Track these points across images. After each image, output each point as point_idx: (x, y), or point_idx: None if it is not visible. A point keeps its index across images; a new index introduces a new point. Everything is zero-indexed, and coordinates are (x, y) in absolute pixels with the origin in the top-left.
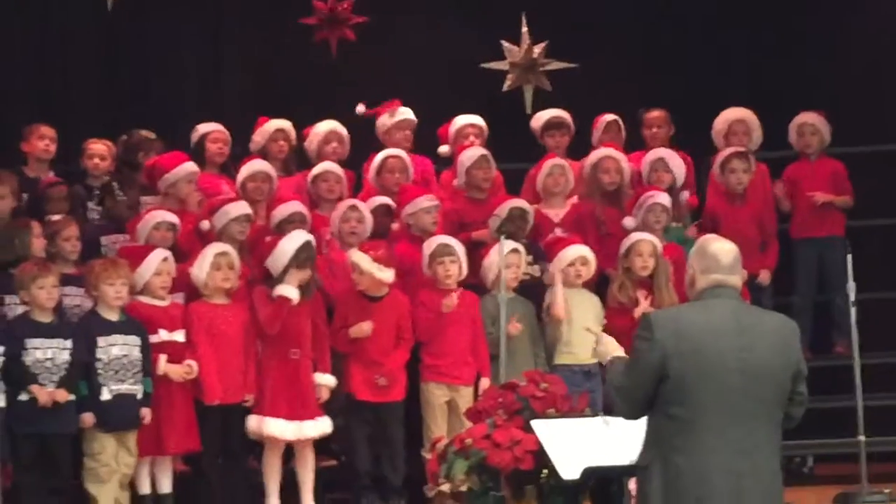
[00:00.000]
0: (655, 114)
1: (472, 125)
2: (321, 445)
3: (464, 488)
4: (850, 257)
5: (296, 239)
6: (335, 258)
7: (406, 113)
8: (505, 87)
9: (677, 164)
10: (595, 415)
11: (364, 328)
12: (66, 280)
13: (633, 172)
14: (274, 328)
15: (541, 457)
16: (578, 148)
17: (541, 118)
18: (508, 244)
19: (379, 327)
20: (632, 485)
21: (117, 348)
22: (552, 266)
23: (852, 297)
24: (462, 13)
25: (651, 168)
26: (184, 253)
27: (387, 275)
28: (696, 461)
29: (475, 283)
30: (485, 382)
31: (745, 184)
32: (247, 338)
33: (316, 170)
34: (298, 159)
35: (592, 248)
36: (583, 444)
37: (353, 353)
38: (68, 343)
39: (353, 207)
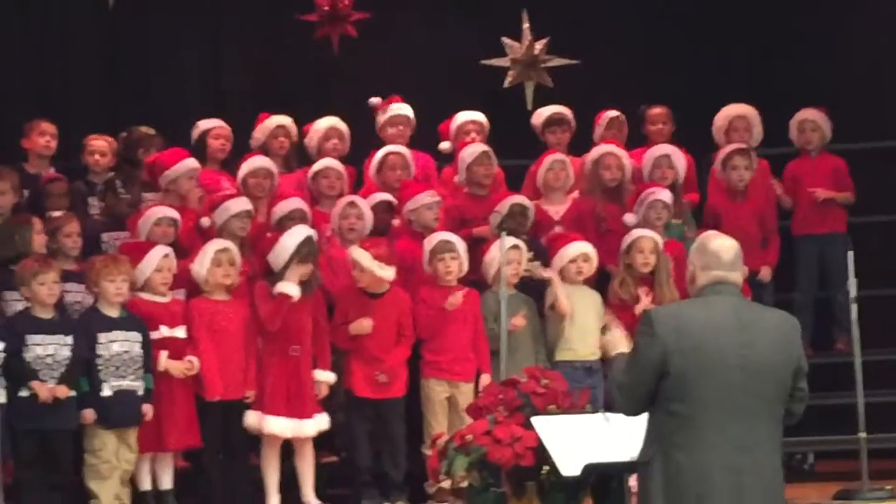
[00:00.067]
0: (658, 110)
1: (474, 122)
2: (322, 441)
3: (464, 485)
4: (851, 254)
5: (297, 234)
6: (335, 255)
7: (398, 109)
8: (506, 84)
9: (680, 161)
10: (596, 411)
11: (364, 325)
12: (66, 276)
13: (634, 169)
14: (274, 325)
15: (541, 453)
16: (579, 144)
17: (542, 115)
18: (509, 241)
19: (379, 324)
20: (632, 481)
21: (118, 345)
22: (553, 262)
23: (853, 293)
24: (463, 9)
25: (654, 164)
26: (184, 249)
27: (387, 272)
28: (696, 458)
29: (476, 280)
30: (485, 379)
31: (746, 180)
32: (247, 334)
33: (316, 166)
34: (299, 156)
35: (593, 245)
36: (583, 440)
37: (354, 349)
38: (69, 339)
39: (353, 204)
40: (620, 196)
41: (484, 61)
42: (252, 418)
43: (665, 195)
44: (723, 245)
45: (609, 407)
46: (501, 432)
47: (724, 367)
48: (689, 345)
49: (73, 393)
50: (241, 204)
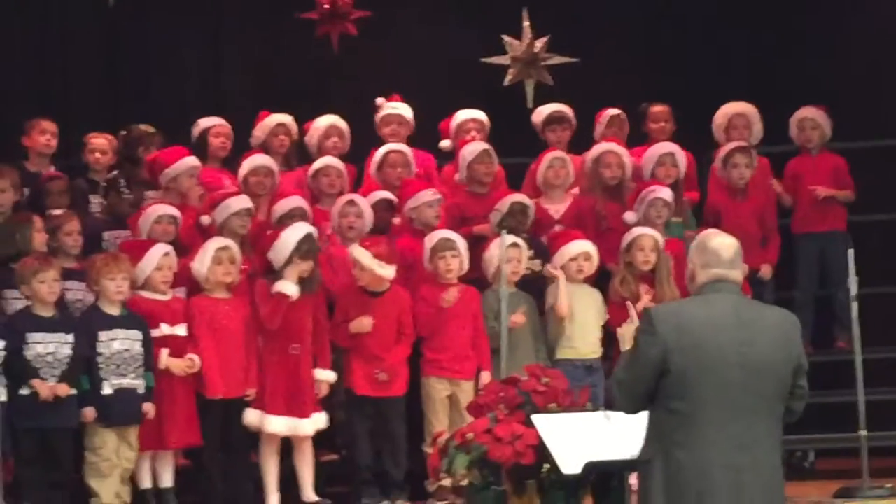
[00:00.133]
0: (659, 108)
1: (474, 120)
2: (323, 440)
3: (465, 483)
4: (851, 252)
5: (298, 230)
6: (335, 253)
7: (394, 108)
8: (506, 82)
9: (682, 159)
10: (596, 410)
11: (364, 323)
12: (67, 274)
13: (635, 167)
14: (274, 324)
15: (542, 451)
16: (580, 143)
17: (542, 113)
18: (509, 239)
19: (379, 322)
20: (633, 479)
21: (118, 343)
22: (554, 261)
23: (854, 291)
24: (463, 8)
25: (658, 162)
26: (185, 247)
27: (388, 271)
28: (696, 456)
29: (476, 278)
30: (485, 376)
31: (746, 178)
32: (248, 332)
33: (317, 164)
34: (299, 154)
35: (593, 243)
36: (584, 438)
37: (354, 348)
38: (70, 337)
39: (352, 202)
40: (621, 194)
41: (484, 59)
42: (252, 416)
43: (665, 193)
44: (723, 243)
45: (609, 405)
46: (502, 430)
47: (724, 364)
48: (689, 343)
49: (73, 391)
50: (242, 202)
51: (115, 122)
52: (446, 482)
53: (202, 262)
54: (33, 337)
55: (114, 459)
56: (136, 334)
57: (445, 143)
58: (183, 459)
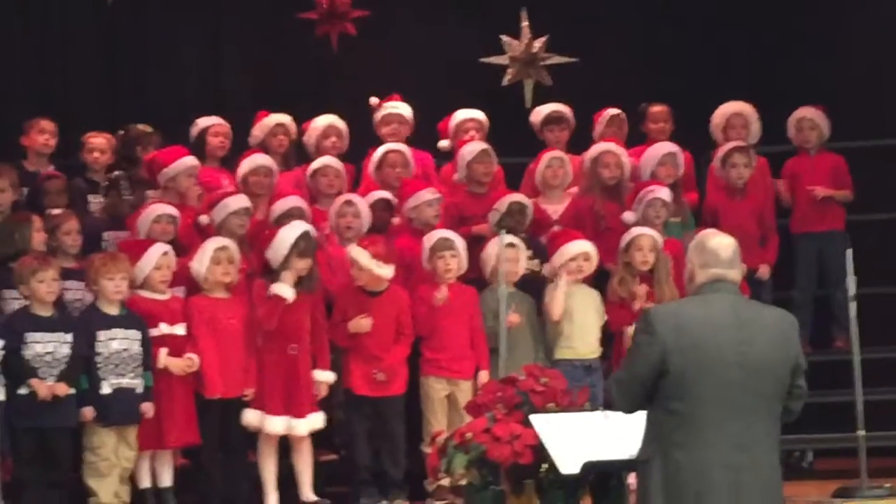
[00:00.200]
0: (659, 108)
1: (473, 119)
2: (321, 439)
3: (463, 482)
4: (849, 252)
5: (295, 228)
6: (334, 253)
7: (394, 107)
8: (505, 82)
9: (682, 160)
10: (595, 410)
11: (363, 323)
12: (66, 274)
13: (633, 167)
14: (270, 325)
15: (540, 451)
16: (578, 143)
17: (540, 113)
18: (507, 238)
19: (378, 322)
20: (631, 479)
21: (117, 342)
22: (553, 261)
23: (852, 291)
24: (462, 8)
25: (660, 162)
26: (184, 247)
27: (386, 271)
28: (695, 456)
29: (475, 278)
30: (483, 375)
31: (745, 178)
32: (247, 332)
33: (315, 164)
34: (297, 154)
35: (592, 243)
36: (582, 438)
37: (353, 347)
38: (68, 337)
39: (349, 202)
40: (619, 194)
41: (483, 59)
42: (251, 417)
43: (664, 193)
44: (721, 243)
45: (608, 405)
46: (500, 430)
47: (722, 364)
48: (687, 343)
49: (72, 391)
50: (240, 201)
51: (113, 122)
52: (445, 482)
53: (201, 262)
54: (32, 336)
55: (113, 459)
56: (135, 334)
57: (444, 143)
58: (182, 459)
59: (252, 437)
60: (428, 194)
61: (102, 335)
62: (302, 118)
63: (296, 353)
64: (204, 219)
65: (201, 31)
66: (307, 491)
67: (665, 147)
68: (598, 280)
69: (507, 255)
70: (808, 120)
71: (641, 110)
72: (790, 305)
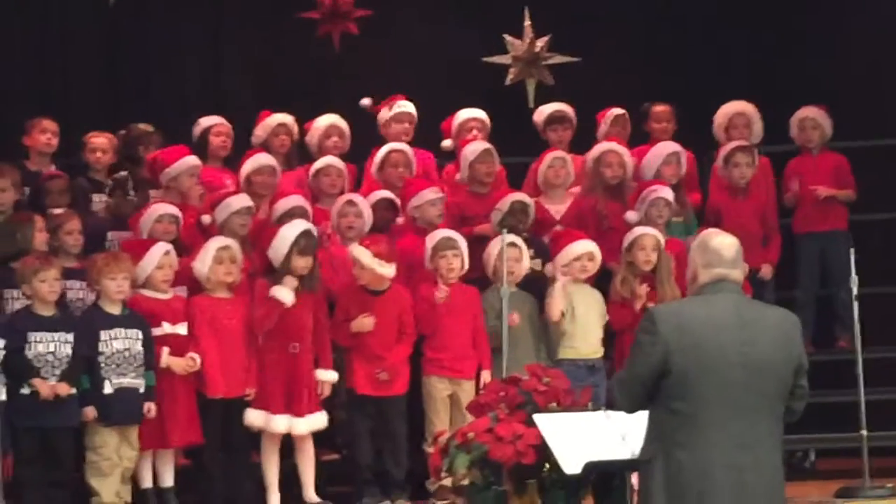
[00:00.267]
0: (662, 108)
1: (475, 119)
2: (324, 439)
3: (466, 482)
4: (852, 251)
5: (296, 227)
6: (336, 252)
7: (404, 106)
8: (507, 82)
9: (685, 160)
10: (598, 409)
11: (366, 323)
12: (68, 274)
13: (636, 167)
14: (264, 328)
15: (543, 451)
16: (581, 142)
17: (543, 112)
18: (509, 238)
19: (380, 321)
20: (634, 479)
21: (119, 342)
22: (557, 260)
23: (855, 291)
24: (464, 7)
25: (664, 161)
26: (186, 247)
27: (388, 270)
28: (698, 456)
29: (478, 277)
30: (486, 375)
31: (748, 178)
32: (249, 332)
33: (318, 164)
34: (299, 153)
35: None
36: (585, 438)
37: (355, 347)
38: (70, 337)
39: (351, 202)
40: (622, 193)
41: (485, 59)
42: (254, 417)
43: (667, 193)
44: (724, 242)
45: (611, 405)
46: (503, 430)
47: (725, 364)
48: (690, 342)
49: (73, 390)
50: (242, 201)
51: (115, 122)
52: (447, 482)
53: (203, 262)
54: (34, 336)
55: (114, 459)
56: (137, 333)
57: (447, 143)
58: (183, 459)
59: (255, 438)
60: (431, 193)
61: (104, 335)
62: (304, 118)
63: (297, 351)
64: (206, 218)
65: (203, 30)
66: (310, 492)
67: (669, 146)
68: (600, 280)
69: (510, 254)
70: (811, 120)
71: (644, 110)
72: (793, 305)
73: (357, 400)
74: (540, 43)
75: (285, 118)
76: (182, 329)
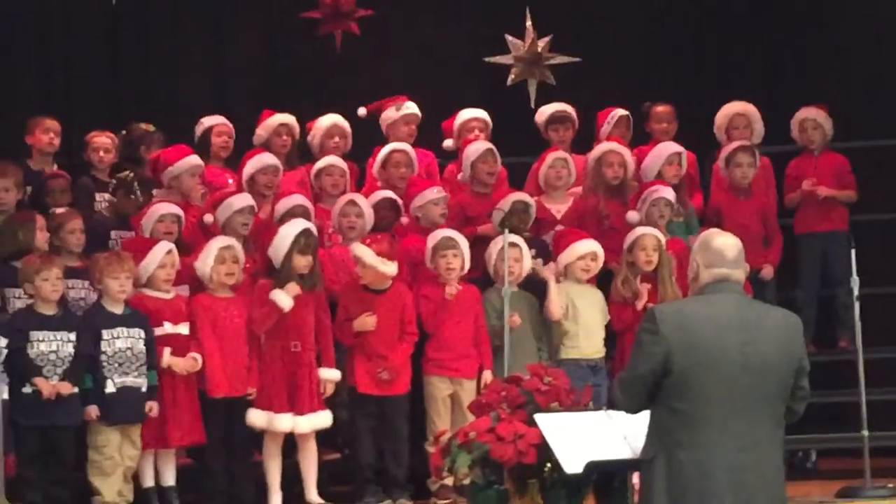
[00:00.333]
0: (664, 108)
1: (477, 119)
2: (325, 438)
3: (467, 482)
4: (853, 252)
5: (295, 225)
6: (337, 252)
7: (412, 107)
8: (509, 82)
9: (686, 160)
10: (599, 409)
11: (368, 322)
12: (70, 273)
13: (637, 167)
14: (261, 329)
15: (544, 451)
16: (582, 142)
17: (545, 112)
18: (511, 238)
19: (382, 320)
20: (635, 479)
21: (121, 341)
22: (560, 259)
23: (856, 291)
24: (466, 7)
25: (667, 161)
26: (188, 246)
27: (390, 268)
28: (699, 456)
29: (479, 277)
30: (487, 375)
31: (749, 178)
32: (251, 331)
33: (320, 164)
34: (301, 153)
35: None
36: (586, 438)
37: (357, 346)
38: (72, 336)
39: (352, 202)
40: (623, 193)
41: (487, 59)
42: (257, 417)
43: (668, 193)
44: (726, 242)
45: (612, 405)
46: (504, 429)
47: (726, 364)
48: (691, 342)
49: (75, 389)
50: (244, 200)
51: (117, 121)
52: (448, 481)
53: (205, 262)
54: (36, 335)
55: (117, 458)
56: (139, 333)
57: (448, 143)
58: (185, 458)
59: (257, 437)
60: (433, 193)
61: (107, 334)
62: (305, 118)
63: (298, 350)
64: (208, 218)
65: (205, 30)
66: (312, 490)
67: (670, 147)
68: (601, 280)
69: (511, 254)
70: (812, 120)
71: (645, 110)
72: (794, 305)
73: (359, 399)
74: (541, 43)
75: (287, 118)
76: (184, 329)
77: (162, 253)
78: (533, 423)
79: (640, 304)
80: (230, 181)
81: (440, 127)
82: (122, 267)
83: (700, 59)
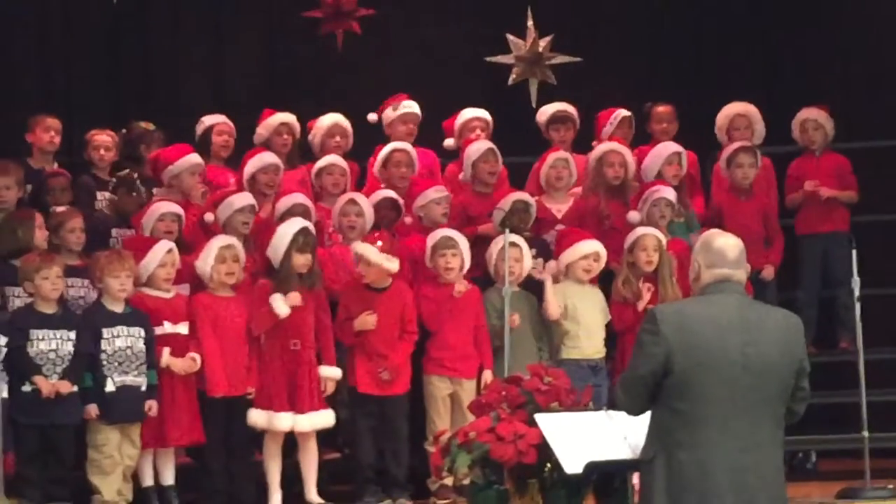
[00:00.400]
0: (664, 109)
1: (478, 119)
2: (325, 438)
3: (467, 482)
4: (854, 253)
5: (294, 224)
6: (337, 251)
7: (410, 106)
8: (510, 81)
9: (686, 160)
10: (599, 409)
11: (369, 320)
12: (70, 271)
13: (637, 167)
14: (258, 331)
15: (544, 451)
16: (583, 142)
17: (546, 112)
18: (510, 237)
19: (383, 318)
20: (635, 479)
21: (121, 340)
22: (562, 259)
23: (857, 292)
24: (467, 7)
25: (666, 161)
26: (188, 245)
27: (394, 265)
28: (699, 456)
29: (479, 277)
30: (487, 375)
31: (751, 178)
32: (251, 330)
33: (321, 163)
34: (301, 152)
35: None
36: (586, 438)
37: (358, 345)
38: (72, 334)
39: (353, 201)
40: (624, 194)
41: (488, 59)
42: (258, 416)
43: (669, 193)
44: (727, 243)
45: (613, 405)
46: (504, 429)
47: (727, 364)
48: (692, 342)
49: (75, 388)
50: (245, 199)
51: (118, 120)
52: (448, 481)
53: (206, 261)
54: (36, 333)
55: (116, 456)
56: (140, 331)
57: (449, 142)
58: (184, 457)
59: (257, 436)
60: (435, 192)
61: (107, 332)
62: (306, 117)
63: (298, 348)
64: (209, 217)
65: (206, 29)
66: (312, 490)
67: (670, 147)
68: (602, 280)
69: (511, 254)
70: (813, 121)
71: (646, 110)
72: (794, 306)
73: (359, 399)
74: (543, 43)
75: (287, 117)
76: (183, 328)
77: (162, 252)
78: (533, 423)
79: (641, 305)
80: (231, 180)
81: (441, 126)
82: (122, 266)
83: (700, 59)
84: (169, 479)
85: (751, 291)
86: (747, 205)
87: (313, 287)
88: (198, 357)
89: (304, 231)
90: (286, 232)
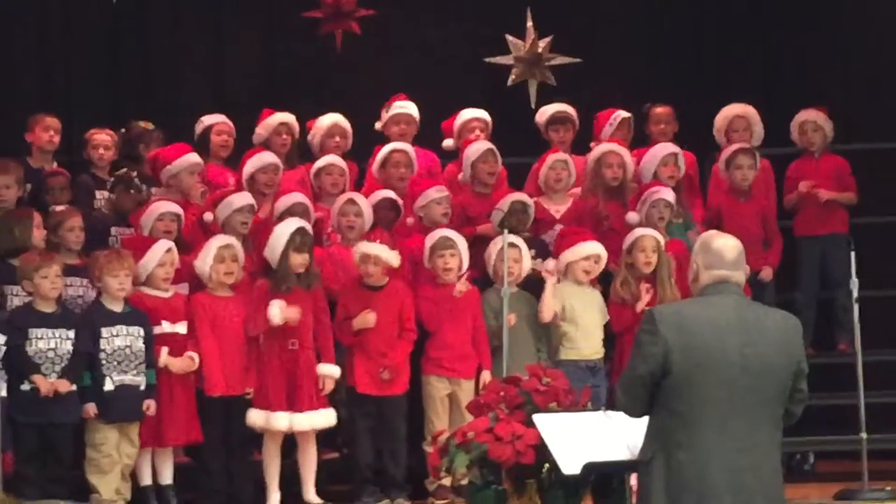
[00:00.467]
0: (663, 110)
1: (477, 119)
2: (324, 438)
3: (465, 482)
4: (853, 254)
5: (290, 224)
6: (336, 251)
7: (401, 107)
8: (510, 82)
9: (683, 161)
10: (597, 410)
11: (368, 319)
12: (69, 271)
13: (636, 168)
14: (254, 332)
15: (542, 451)
16: (583, 143)
17: (545, 113)
18: (509, 238)
19: (381, 317)
20: (633, 480)
21: (120, 339)
22: (561, 259)
23: (855, 294)
24: (467, 8)
25: (662, 162)
26: (187, 245)
27: (396, 257)
28: (697, 457)
29: (479, 277)
30: (486, 375)
31: (749, 180)
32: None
33: (320, 163)
34: (301, 152)
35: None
36: (584, 438)
37: (357, 345)
38: (71, 333)
39: (351, 201)
40: (623, 195)
41: (487, 59)
42: (256, 416)
43: (668, 194)
44: (726, 244)
45: (612, 406)
46: (502, 430)
47: (725, 366)
48: (690, 343)
49: (73, 387)
50: (244, 199)
51: (117, 119)
52: (446, 481)
53: (205, 261)
54: (35, 332)
55: (114, 456)
56: (139, 331)
57: (449, 143)
58: (183, 457)
59: (255, 436)
60: (435, 193)
61: (106, 332)
62: (306, 117)
63: (296, 348)
64: (208, 216)
65: (205, 29)
66: (310, 490)
67: (667, 147)
68: (601, 281)
69: (510, 254)
70: (812, 122)
71: (645, 111)
72: (793, 307)
73: (357, 399)
74: (542, 44)
75: (287, 117)
76: (181, 328)
77: (161, 251)
78: (531, 424)
79: (639, 306)
80: (231, 180)
81: (440, 127)
82: (121, 265)
83: (700, 59)
84: (167, 478)
85: (749, 293)
86: (746, 206)
87: (311, 287)
88: (196, 356)
89: (300, 231)
90: (283, 232)
